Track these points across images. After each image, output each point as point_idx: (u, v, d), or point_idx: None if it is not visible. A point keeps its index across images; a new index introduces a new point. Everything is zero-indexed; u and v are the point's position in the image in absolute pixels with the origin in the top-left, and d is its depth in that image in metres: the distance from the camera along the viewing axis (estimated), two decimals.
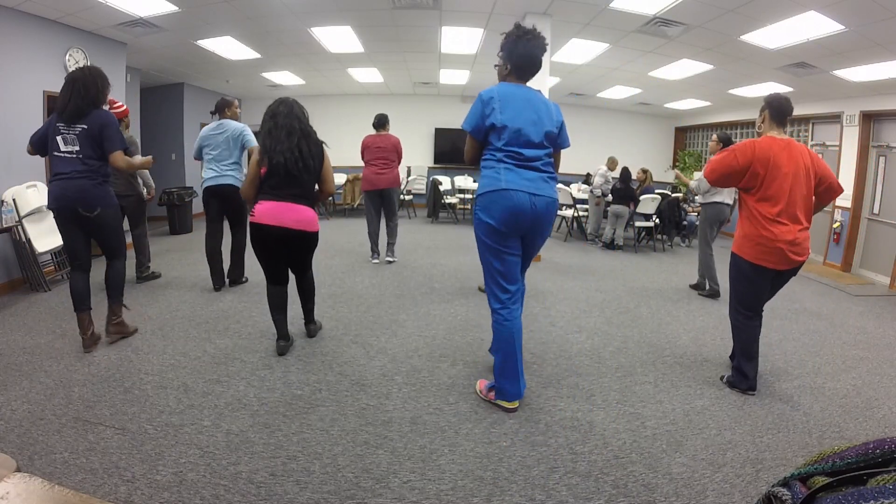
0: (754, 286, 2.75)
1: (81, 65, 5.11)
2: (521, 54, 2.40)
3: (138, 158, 3.79)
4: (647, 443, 2.25)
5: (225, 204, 4.33)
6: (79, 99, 2.87)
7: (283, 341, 3.08)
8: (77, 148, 2.90)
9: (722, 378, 2.96)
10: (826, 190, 2.73)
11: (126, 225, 4.26)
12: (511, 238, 2.38)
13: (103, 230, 3.04)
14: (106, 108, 3.05)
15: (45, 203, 4.40)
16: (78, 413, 2.31)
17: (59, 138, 2.90)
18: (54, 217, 3.00)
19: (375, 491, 1.86)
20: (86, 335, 3.05)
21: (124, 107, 4.46)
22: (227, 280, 4.50)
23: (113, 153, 2.97)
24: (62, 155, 2.91)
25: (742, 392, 2.81)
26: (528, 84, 2.50)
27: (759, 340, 2.82)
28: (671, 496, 1.89)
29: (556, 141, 2.47)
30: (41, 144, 2.97)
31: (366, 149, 5.35)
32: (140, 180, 4.59)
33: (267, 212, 2.81)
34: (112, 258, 3.16)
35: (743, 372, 2.82)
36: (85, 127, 2.90)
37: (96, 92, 2.93)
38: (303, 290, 3.25)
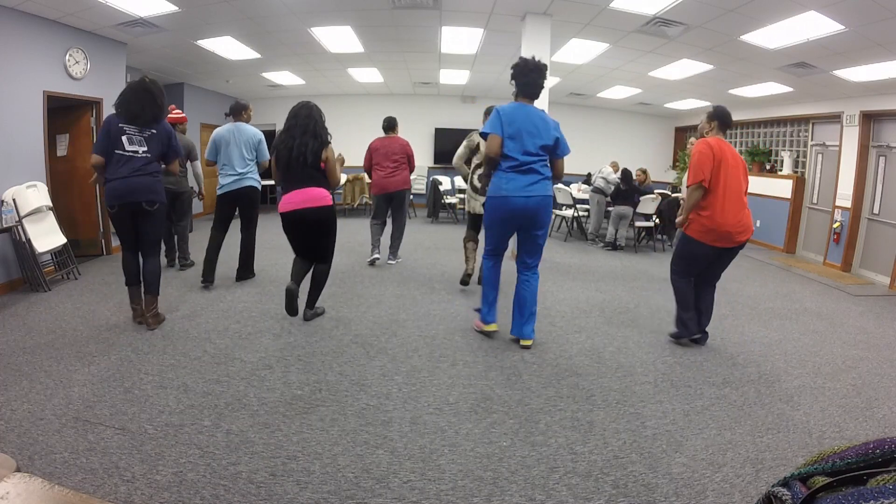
0: (697, 260, 3.37)
1: (84, 66, 5.14)
2: (526, 83, 3.09)
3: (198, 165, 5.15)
4: (647, 443, 2.25)
5: (241, 203, 4.47)
6: (156, 109, 3.26)
7: (293, 284, 3.47)
8: (144, 148, 3.23)
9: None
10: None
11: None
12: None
13: (156, 222, 3.36)
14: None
15: (46, 203, 4.45)
16: (78, 413, 2.31)
17: (124, 138, 3.17)
18: (114, 213, 3.25)
19: (375, 491, 1.86)
20: (136, 307, 3.43)
21: (182, 114, 4.89)
22: (236, 277, 4.65)
23: (176, 160, 3.55)
24: (125, 153, 3.17)
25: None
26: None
27: (692, 299, 3.44)
28: (671, 496, 1.89)
29: (555, 151, 3.10)
30: (107, 148, 3.19)
31: (374, 151, 5.28)
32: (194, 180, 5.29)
33: (284, 202, 3.46)
34: (152, 254, 3.40)
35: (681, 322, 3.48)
36: (154, 131, 3.28)
37: (163, 104, 3.34)
38: (314, 277, 3.65)
